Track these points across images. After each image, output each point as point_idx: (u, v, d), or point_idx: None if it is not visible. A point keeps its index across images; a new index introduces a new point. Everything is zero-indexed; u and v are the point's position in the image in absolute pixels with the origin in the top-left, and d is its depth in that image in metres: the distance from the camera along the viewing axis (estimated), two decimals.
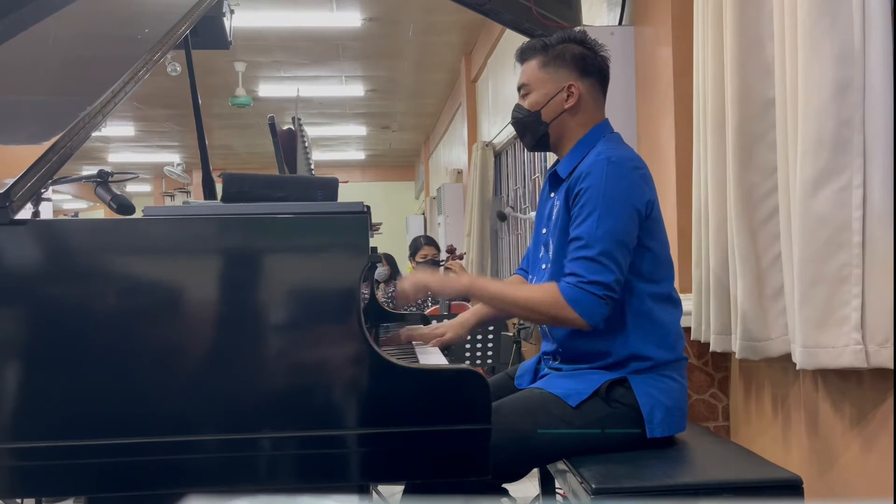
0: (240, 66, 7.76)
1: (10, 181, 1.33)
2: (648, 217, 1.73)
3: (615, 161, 1.70)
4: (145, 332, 1.38)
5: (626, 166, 1.71)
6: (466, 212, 7.26)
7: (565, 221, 1.75)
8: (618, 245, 1.65)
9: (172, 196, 13.79)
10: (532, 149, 1.93)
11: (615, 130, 1.88)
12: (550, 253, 1.82)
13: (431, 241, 4.80)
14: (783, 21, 1.93)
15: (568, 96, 1.81)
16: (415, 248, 4.78)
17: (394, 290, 1.90)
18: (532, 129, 1.85)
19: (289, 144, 2.00)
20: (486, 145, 6.72)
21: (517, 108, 1.88)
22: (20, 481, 1.36)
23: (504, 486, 1.78)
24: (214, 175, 2.35)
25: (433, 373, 1.43)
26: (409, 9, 6.41)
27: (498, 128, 6.44)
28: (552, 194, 1.89)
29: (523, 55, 1.87)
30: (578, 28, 3.15)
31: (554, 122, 1.83)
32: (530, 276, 1.97)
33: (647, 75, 2.97)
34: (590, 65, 1.83)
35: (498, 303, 1.84)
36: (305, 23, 6.63)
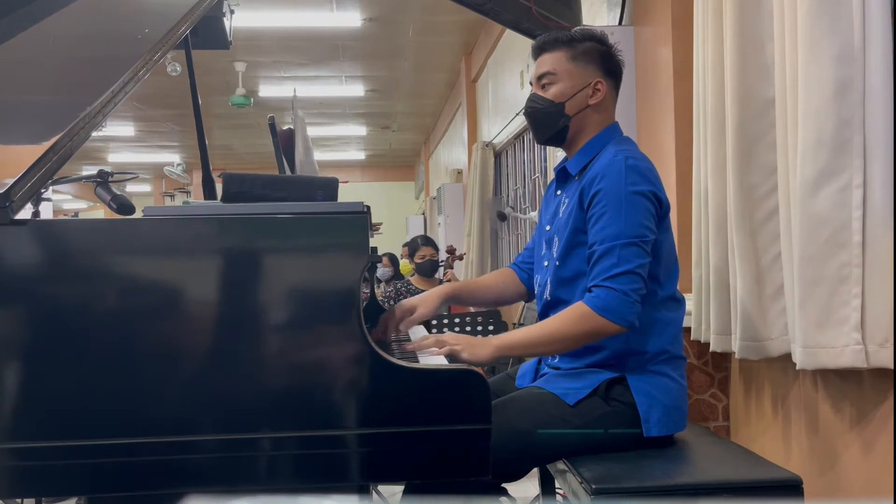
0: (240, 66, 7.77)
1: (10, 181, 1.33)
2: (663, 218, 1.73)
3: (632, 162, 1.69)
4: (145, 333, 1.37)
5: (642, 167, 1.71)
6: (466, 212, 7.26)
7: (577, 221, 1.74)
8: (639, 237, 1.65)
9: (172, 196, 13.81)
10: (545, 142, 1.89)
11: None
12: (555, 251, 1.81)
13: (429, 242, 4.79)
14: (783, 21, 1.93)
15: (594, 92, 1.81)
16: (413, 248, 4.77)
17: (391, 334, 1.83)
18: (552, 120, 1.82)
19: (289, 144, 2.00)
20: (486, 145, 6.73)
21: (536, 98, 1.84)
22: (20, 481, 1.36)
23: (504, 486, 1.78)
24: (214, 175, 2.35)
25: (433, 373, 1.43)
26: (409, 9, 6.42)
27: (498, 128, 6.44)
28: (559, 192, 1.89)
29: (546, 46, 1.84)
30: (587, 25, 3.15)
31: (577, 115, 1.81)
32: (535, 274, 1.96)
33: (647, 75, 2.97)
34: (613, 66, 1.84)
35: (532, 349, 1.75)
36: (305, 23, 6.63)
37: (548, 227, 1.89)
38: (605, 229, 1.66)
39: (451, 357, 1.69)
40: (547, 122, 1.83)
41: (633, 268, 1.63)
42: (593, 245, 1.68)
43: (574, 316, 1.65)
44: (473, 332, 3.61)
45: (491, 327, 3.57)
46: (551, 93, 1.82)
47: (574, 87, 1.80)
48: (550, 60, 1.83)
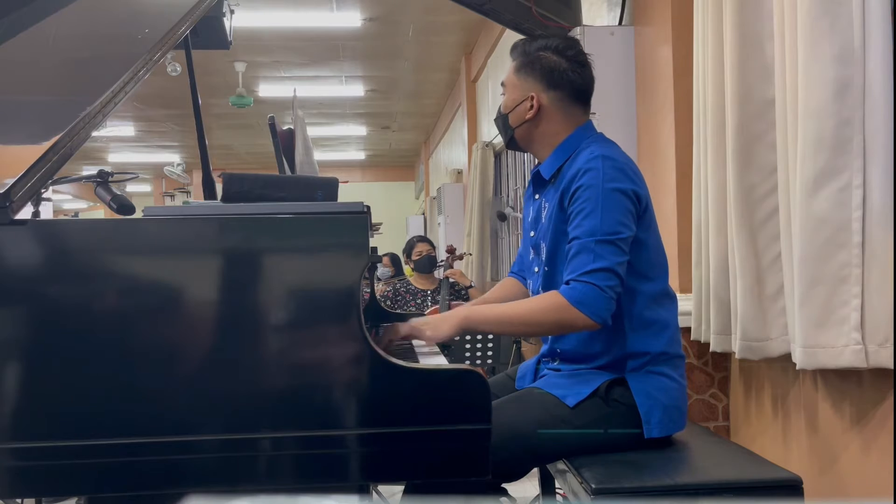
0: (240, 66, 7.77)
1: (10, 181, 1.33)
2: (644, 213, 1.73)
3: (609, 158, 1.70)
4: (145, 333, 1.37)
5: (620, 162, 1.71)
6: (466, 212, 7.26)
7: (559, 222, 1.74)
8: (616, 235, 1.64)
9: (172, 196, 13.81)
10: (507, 147, 1.95)
11: (616, 131, 1.88)
12: (543, 255, 1.81)
13: (424, 238, 4.79)
14: (783, 21, 1.93)
15: (530, 107, 1.80)
16: (409, 248, 4.77)
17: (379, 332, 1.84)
18: (502, 129, 1.89)
19: (289, 144, 2.00)
20: (486, 145, 6.72)
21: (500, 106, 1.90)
22: (20, 481, 1.36)
23: (504, 486, 1.78)
24: (214, 175, 2.35)
25: (433, 373, 1.43)
26: (409, 9, 6.41)
27: None
28: (537, 196, 1.89)
29: (510, 53, 1.88)
30: (579, 28, 3.15)
31: (518, 128, 1.84)
32: (527, 281, 1.96)
33: (647, 75, 2.97)
34: (558, 78, 1.79)
35: (498, 328, 1.79)
36: (305, 23, 6.63)
37: (532, 234, 1.89)
38: (582, 225, 1.66)
39: (450, 356, 1.69)
40: (500, 130, 1.89)
41: (610, 265, 1.63)
42: (572, 241, 1.68)
43: (548, 304, 1.65)
44: (473, 333, 3.61)
45: None
46: (502, 103, 1.87)
47: (514, 100, 1.83)
48: (508, 70, 1.87)
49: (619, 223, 1.65)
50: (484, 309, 1.76)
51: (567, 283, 1.66)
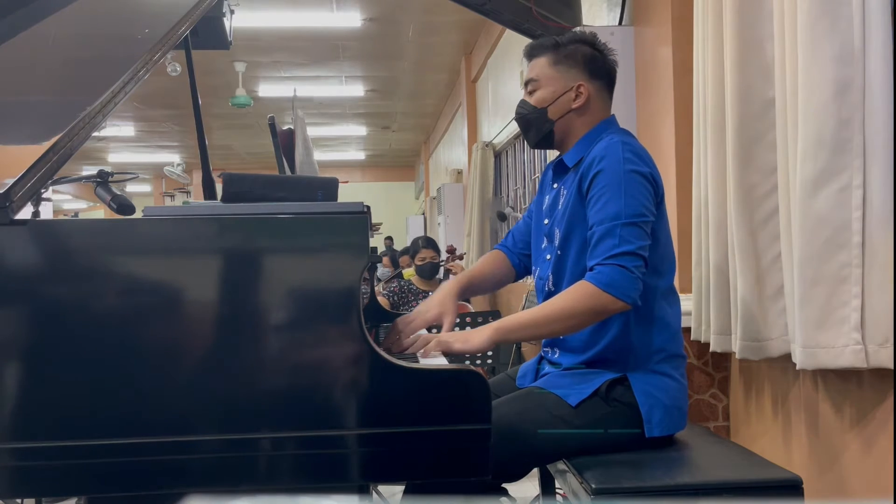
0: (240, 66, 7.77)
1: (10, 181, 1.33)
2: (660, 203, 1.74)
3: (629, 144, 1.71)
4: (145, 333, 1.37)
5: (639, 149, 1.73)
6: (466, 212, 7.27)
7: (577, 208, 1.74)
8: (639, 217, 1.65)
9: (172, 196, 13.81)
10: (535, 146, 1.92)
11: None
12: (556, 242, 1.81)
13: (430, 244, 4.77)
14: (783, 21, 1.93)
15: (576, 96, 1.81)
16: (413, 249, 4.76)
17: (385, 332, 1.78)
18: (537, 125, 1.85)
19: (289, 144, 2.00)
20: (486, 145, 6.73)
21: (523, 104, 1.87)
22: (20, 481, 1.36)
23: (504, 486, 1.78)
24: (214, 175, 2.35)
25: (433, 373, 1.43)
26: (409, 9, 6.42)
27: (498, 128, 6.44)
28: (555, 185, 1.89)
29: (533, 51, 1.87)
30: (579, 28, 3.15)
31: (560, 120, 1.83)
32: (534, 268, 1.96)
33: (647, 75, 2.97)
34: (599, 67, 1.83)
35: (533, 331, 1.71)
36: (305, 23, 6.64)
37: (546, 221, 1.88)
38: (604, 209, 1.66)
39: (452, 356, 1.69)
40: (533, 127, 1.86)
41: (635, 248, 1.63)
42: (593, 226, 1.68)
43: (578, 294, 1.64)
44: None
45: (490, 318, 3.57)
46: (535, 98, 1.84)
47: (555, 92, 1.82)
48: (535, 66, 1.85)
49: (641, 206, 1.66)
50: (514, 318, 1.71)
51: (592, 268, 1.65)
